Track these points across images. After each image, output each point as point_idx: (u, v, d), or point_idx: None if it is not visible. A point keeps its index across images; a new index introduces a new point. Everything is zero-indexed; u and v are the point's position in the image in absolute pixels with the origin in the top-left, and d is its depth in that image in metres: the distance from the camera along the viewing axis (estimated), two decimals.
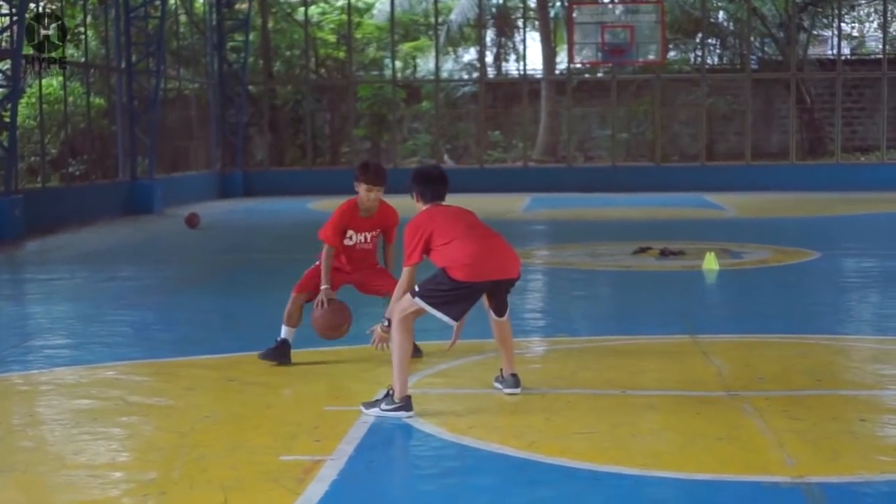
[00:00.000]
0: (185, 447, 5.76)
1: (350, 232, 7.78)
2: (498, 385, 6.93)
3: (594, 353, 8.34)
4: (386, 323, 6.56)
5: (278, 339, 7.81)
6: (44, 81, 23.57)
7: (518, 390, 6.82)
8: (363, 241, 7.83)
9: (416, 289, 6.41)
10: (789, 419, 6.20)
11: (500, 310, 6.74)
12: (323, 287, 7.67)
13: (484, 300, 6.71)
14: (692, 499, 4.99)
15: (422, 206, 6.66)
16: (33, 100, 23.96)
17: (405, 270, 6.50)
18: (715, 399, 6.75)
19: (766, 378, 7.32)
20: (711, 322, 9.84)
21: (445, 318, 6.45)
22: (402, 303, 6.42)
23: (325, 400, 6.79)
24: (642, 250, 14.78)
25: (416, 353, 7.54)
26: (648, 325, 9.53)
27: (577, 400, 6.76)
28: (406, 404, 6.31)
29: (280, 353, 7.77)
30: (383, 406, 6.32)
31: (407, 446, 5.90)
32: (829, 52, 36.10)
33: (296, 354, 7.91)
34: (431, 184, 6.67)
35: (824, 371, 7.66)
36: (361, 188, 7.68)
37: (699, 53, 34.95)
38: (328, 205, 24.57)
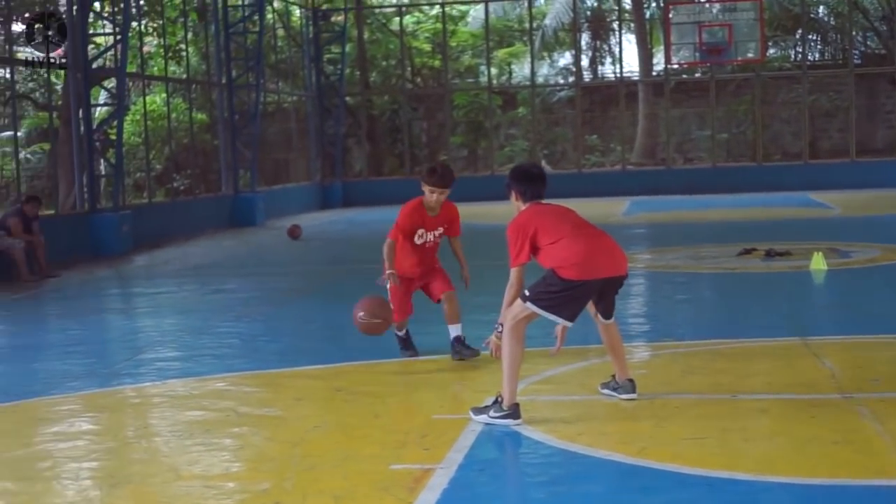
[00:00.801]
0: (296, 457, 5.82)
1: (421, 231, 8.11)
2: (607, 391, 6.86)
3: (701, 357, 8.24)
4: (500, 329, 6.44)
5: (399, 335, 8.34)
6: (147, 98, 24.09)
7: (635, 395, 6.72)
8: (432, 239, 8.17)
9: (527, 293, 6.30)
10: None
11: (607, 312, 6.64)
12: (388, 271, 7.98)
13: (588, 305, 6.62)
14: None
15: (521, 206, 6.56)
16: (138, 117, 24.52)
17: (513, 272, 6.39)
18: (828, 402, 6.61)
19: (881, 379, 7.15)
20: (821, 323, 9.66)
21: (560, 321, 6.37)
22: (514, 308, 6.32)
23: (432, 408, 6.81)
24: (747, 252, 14.56)
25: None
26: (756, 327, 9.39)
27: (685, 405, 6.67)
28: (514, 412, 6.26)
29: (407, 344, 8.35)
30: (492, 413, 6.29)
31: (516, 454, 5.89)
32: None
33: (402, 363, 7.94)
34: (532, 182, 6.58)
35: None
36: (426, 189, 8.04)
37: (799, 50, 34.42)
38: None
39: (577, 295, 6.30)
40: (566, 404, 6.86)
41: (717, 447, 5.73)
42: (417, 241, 8.14)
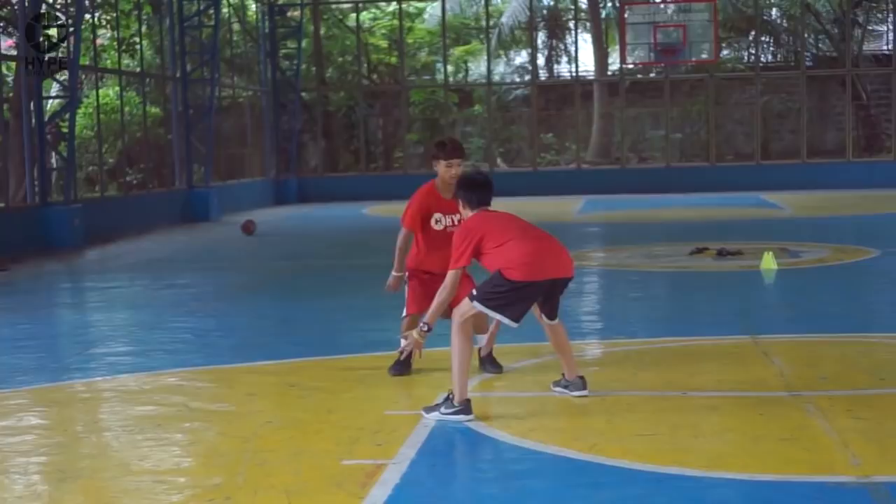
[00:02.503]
0: (249, 452, 5.81)
1: (438, 215, 7.42)
2: (558, 389, 6.90)
3: (653, 354, 8.30)
4: (425, 328, 6.57)
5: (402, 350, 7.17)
6: (100, 91, 23.88)
7: (586, 392, 6.79)
8: (450, 224, 7.37)
9: (475, 293, 6.42)
10: (853, 419, 6.14)
11: (552, 313, 6.71)
12: (395, 273, 7.53)
13: (533, 307, 6.67)
14: (756, 500, 4.95)
15: (469, 213, 6.69)
16: (90, 110, 24.30)
17: (451, 273, 6.48)
18: (777, 399, 6.69)
19: (829, 377, 7.25)
20: (771, 322, 9.76)
21: (506, 321, 6.46)
22: (462, 308, 6.43)
23: (386, 404, 6.81)
24: (699, 251, 14.68)
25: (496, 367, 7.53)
26: (707, 326, 9.47)
27: (637, 402, 6.73)
28: (465, 408, 6.32)
29: (405, 366, 7.52)
30: (443, 410, 6.34)
31: (468, 450, 5.91)
32: (885, 48, 35.61)
33: (356, 359, 7.94)
34: (478, 189, 6.70)
35: (887, 370, 7.57)
36: (441, 166, 7.36)
37: (753, 51, 34.69)
38: (383, 210, 24.68)
39: (523, 295, 6.39)
40: (519, 400, 6.89)
41: (668, 443, 5.78)
42: (436, 226, 7.40)
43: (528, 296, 6.43)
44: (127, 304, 12.35)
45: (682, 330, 9.31)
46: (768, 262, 12.95)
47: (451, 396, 6.37)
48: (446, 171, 7.35)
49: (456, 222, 7.29)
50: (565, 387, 6.87)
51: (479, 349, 7.39)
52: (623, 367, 7.87)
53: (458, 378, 6.33)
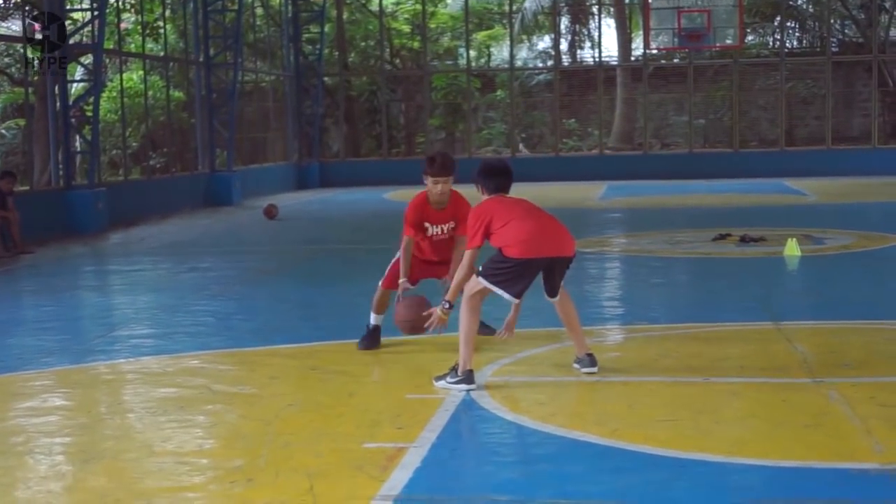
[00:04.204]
0: (270, 435, 5.82)
1: (427, 224, 7.82)
2: (576, 366, 7.05)
3: (675, 340, 8.28)
4: (447, 305, 6.86)
5: (369, 325, 7.99)
6: (124, 75, 23.95)
7: (595, 369, 6.94)
8: (440, 233, 7.84)
9: (480, 269, 6.70)
10: (877, 405, 6.11)
11: (552, 291, 6.91)
12: (401, 280, 7.75)
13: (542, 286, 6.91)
14: (778, 486, 4.93)
15: (485, 198, 6.93)
16: (114, 94, 24.38)
17: (466, 254, 6.77)
18: (800, 386, 6.66)
19: (852, 364, 7.21)
20: (794, 308, 9.71)
21: (506, 296, 6.72)
22: (469, 284, 6.70)
23: (406, 388, 6.82)
24: (722, 237, 14.63)
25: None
26: (730, 312, 9.44)
27: (659, 387, 6.72)
28: (468, 377, 6.60)
29: (372, 340, 7.98)
30: (448, 379, 6.65)
31: (489, 433, 5.90)
32: None
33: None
34: (495, 176, 6.94)
35: None
36: (429, 181, 7.65)
37: (778, 37, 34.50)
38: (404, 195, 24.67)
39: (521, 272, 6.66)
40: (540, 385, 6.89)
41: (690, 429, 5.76)
42: (427, 233, 7.85)
43: (527, 273, 6.70)
44: (149, 286, 12.40)
45: (704, 316, 9.28)
46: (792, 249, 12.89)
47: (455, 367, 6.65)
48: (433, 187, 7.65)
49: (444, 231, 7.81)
50: (578, 362, 7.05)
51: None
52: (645, 352, 7.86)
53: (463, 349, 6.62)
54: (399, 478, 5.03)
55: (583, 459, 5.34)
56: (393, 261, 7.97)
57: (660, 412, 6.10)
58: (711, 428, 5.81)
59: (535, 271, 6.73)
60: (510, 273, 6.63)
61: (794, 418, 5.90)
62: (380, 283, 8.01)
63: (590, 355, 6.99)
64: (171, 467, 5.32)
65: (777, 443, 5.50)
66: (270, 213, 20.42)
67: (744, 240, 14.26)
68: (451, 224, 7.82)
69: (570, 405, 6.45)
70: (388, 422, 6.02)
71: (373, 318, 8.02)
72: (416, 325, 7.43)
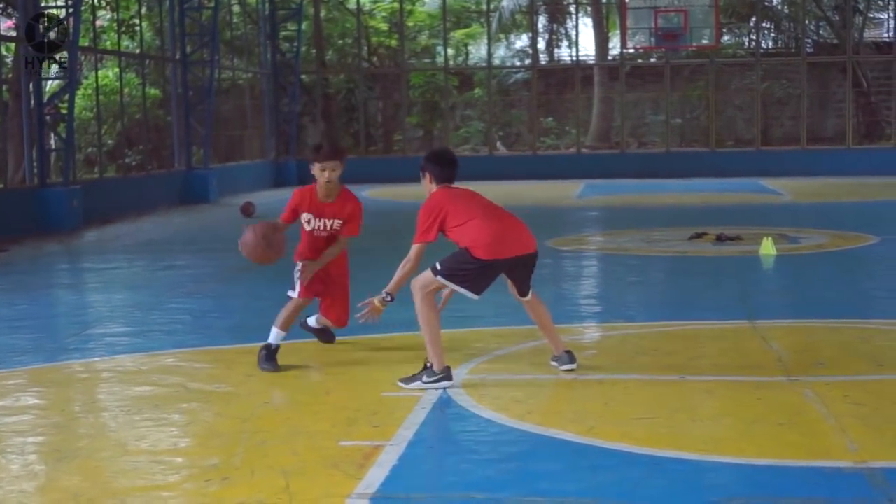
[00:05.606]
0: (246, 433, 5.81)
1: (308, 216, 7.47)
2: (554, 364, 7.05)
3: (651, 338, 8.30)
4: (387, 298, 6.79)
5: (272, 345, 7.42)
6: (100, 73, 23.83)
7: (574, 366, 6.95)
8: (321, 227, 7.49)
9: (438, 267, 6.65)
10: (851, 404, 6.14)
11: (522, 290, 6.94)
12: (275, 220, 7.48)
13: (510, 287, 6.93)
14: (753, 484, 4.95)
15: (432, 188, 6.87)
16: (90, 91, 24.25)
17: (414, 248, 6.73)
18: (775, 384, 6.69)
19: (827, 363, 7.25)
20: (769, 307, 9.75)
21: (469, 294, 6.73)
22: (423, 280, 6.66)
23: (383, 386, 6.81)
24: (698, 236, 14.68)
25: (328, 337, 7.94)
26: (705, 310, 9.47)
27: (635, 385, 6.73)
28: (447, 374, 6.58)
29: (276, 361, 7.38)
30: (424, 379, 6.59)
31: (466, 431, 5.90)
32: (886, 35, 35.56)
33: (353, 341, 7.93)
34: (446, 166, 6.91)
35: (885, 355, 7.57)
36: (315, 168, 7.35)
37: (753, 37, 34.63)
38: (382, 193, 24.63)
39: (486, 272, 6.69)
40: (517, 383, 6.89)
41: (666, 427, 5.78)
42: (306, 226, 7.51)
43: (491, 273, 6.73)
44: (125, 285, 12.34)
45: (680, 314, 9.31)
46: (767, 248, 12.94)
47: (429, 365, 6.59)
48: (320, 174, 7.36)
49: (325, 227, 7.46)
50: (555, 360, 7.04)
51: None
52: (621, 350, 7.88)
53: (433, 348, 6.59)
54: (375, 476, 5.02)
55: (559, 457, 5.34)
56: (295, 271, 7.65)
57: (636, 410, 6.12)
58: (687, 426, 5.83)
59: (499, 271, 6.77)
60: (475, 273, 6.63)
61: (769, 416, 5.92)
62: (295, 293, 7.59)
63: (568, 352, 7.00)
64: (145, 466, 5.29)
65: (752, 441, 5.52)
66: (247, 210, 20.35)
67: (720, 238, 14.31)
68: (337, 221, 7.48)
69: (547, 403, 6.46)
70: (364, 420, 6.01)
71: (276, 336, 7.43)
72: (259, 251, 7.26)
